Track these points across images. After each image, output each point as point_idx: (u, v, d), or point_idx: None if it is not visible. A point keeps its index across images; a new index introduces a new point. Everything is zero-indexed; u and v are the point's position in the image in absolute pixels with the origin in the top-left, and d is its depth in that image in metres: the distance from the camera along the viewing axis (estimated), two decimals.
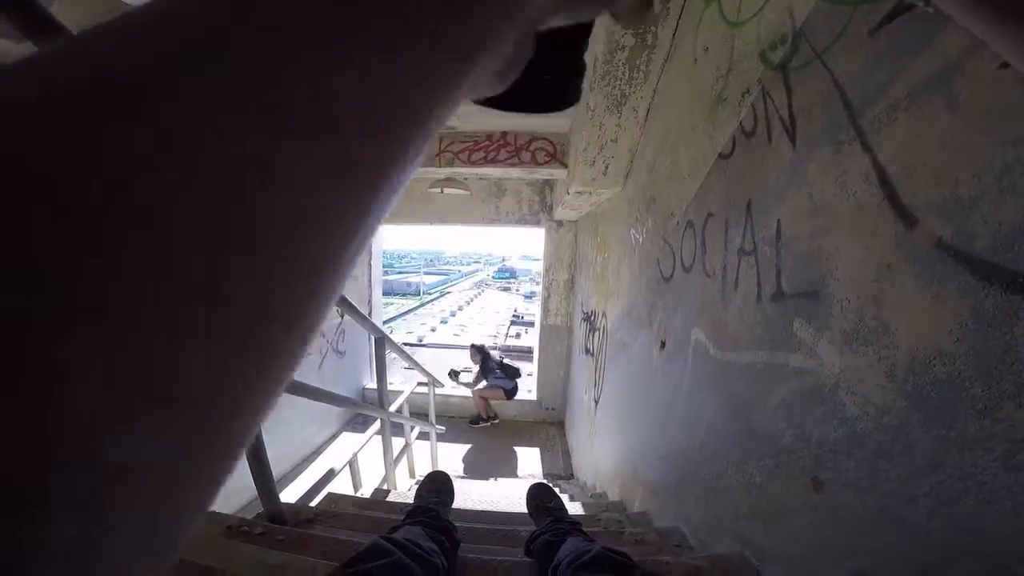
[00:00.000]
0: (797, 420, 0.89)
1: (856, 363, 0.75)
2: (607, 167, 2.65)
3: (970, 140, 0.57)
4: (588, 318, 4.23)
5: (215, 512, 1.21)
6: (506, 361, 5.90)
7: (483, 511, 2.09)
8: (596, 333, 3.71)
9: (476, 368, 5.82)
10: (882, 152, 0.72)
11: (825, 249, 0.84)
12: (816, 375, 0.84)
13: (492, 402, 5.80)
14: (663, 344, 1.81)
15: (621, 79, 2.08)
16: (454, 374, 6.00)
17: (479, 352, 5.89)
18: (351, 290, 5.82)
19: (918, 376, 0.64)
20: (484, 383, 5.67)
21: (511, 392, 5.57)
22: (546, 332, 6.01)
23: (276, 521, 1.28)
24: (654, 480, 1.86)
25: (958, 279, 0.59)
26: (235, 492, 3.55)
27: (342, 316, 5.38)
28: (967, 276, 0.57)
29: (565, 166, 3.56)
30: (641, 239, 2.29)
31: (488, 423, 5.74)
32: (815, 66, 0.90)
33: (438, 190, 4.29)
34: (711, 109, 1.44)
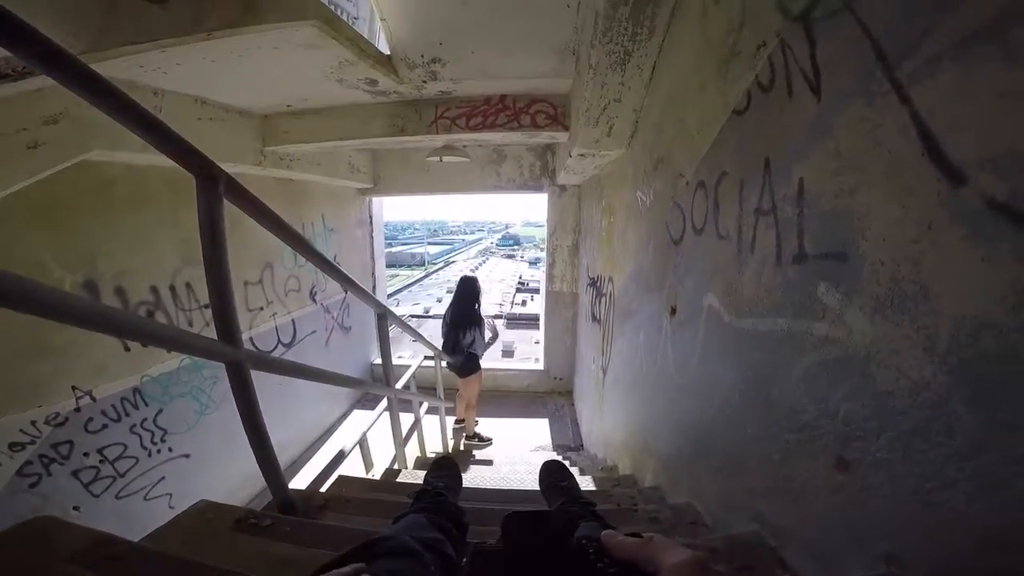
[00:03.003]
0: (821, 394, 0.83)
1: (890, 332, 0.68)
2: (611, 128, 2.54)
3: None
4: (594, 284, 4.16)
5: (224, 505, 1.20)
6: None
7: (492, 489, 2.09)
8: (603, 299, 3.65)
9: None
10: (923, 105, 0.64)
11: (854, 208, 0.76)
12: (844, 345, 0.78)
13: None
14: (673, 310, 1.74)
15: (624, 35, 1.95)
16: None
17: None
18: (354, 263, 5.78)
19: (963, 348, 0.57)
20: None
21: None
22: (551, 299, 5.97)
23: (287, 511, 1.26)
24: (665, 453, 1.83)
25: (1013, 241, 0.51)
26: (250, 479, 3.61)
27: (346, 291, 5.37)
28: None
29: (567, 129, 3.43)
30: (648, 201, 2.20)
31: (481, 442, 4.61)
32: (843, 16, 0.80)
33: (437, 159, 4.17)
34: (723, 64, 1.34)
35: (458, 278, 4.60)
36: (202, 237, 1.03)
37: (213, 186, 1.02)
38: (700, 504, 1.39)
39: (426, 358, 4.02)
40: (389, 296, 9.37)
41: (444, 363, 4.15)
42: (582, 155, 2.97)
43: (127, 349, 2.76)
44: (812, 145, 0.88)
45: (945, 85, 0.61)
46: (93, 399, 2.58)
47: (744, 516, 1.11)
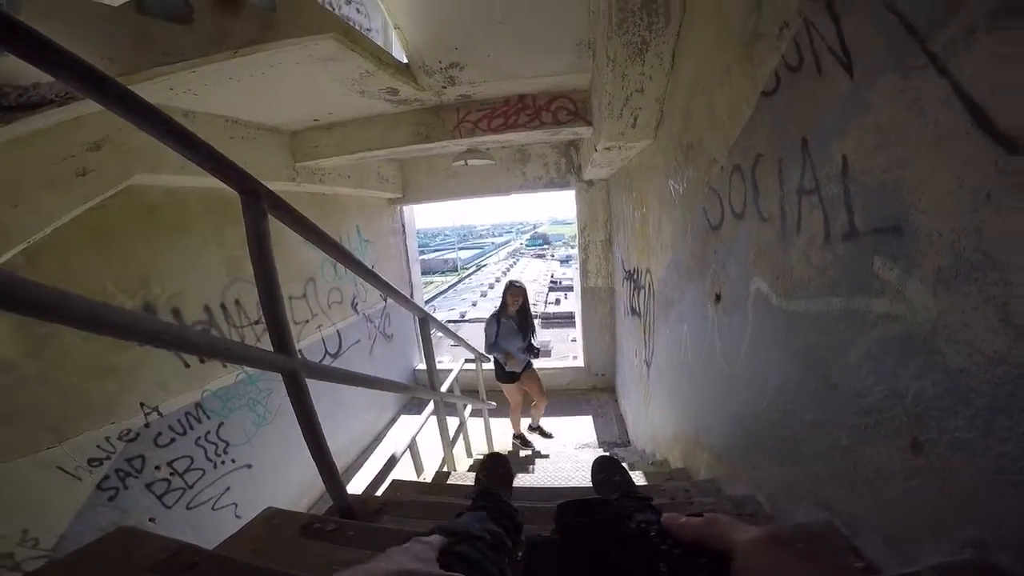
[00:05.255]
0: (887, 374, 0.79)
1: (957, 305, 0.65)
2: (635, 119, 2.51)
3: None
4: (631, 276, 4.11)
5: (288, 511, 1.24)
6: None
7: (542, 488, 2.09)
8: (641, 291, 3.60)
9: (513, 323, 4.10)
10: (964, 76, 0.62)
11: (905, 181, 0.73)
12: (907, 321, 0.74)
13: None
14: (718, 297, 1.70)
15: (639, 25, 1.93)
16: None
17: (520, 292, 4.14)
18: (391, 272, 5.91)
19: None
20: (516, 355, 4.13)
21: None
22: (587, 295, 5.93)
23: (346, 515, 1.30)
24: (719, 445, 1.79)
25: None
26: (308, 486, 3.75)
27: (386, 300, 5.49)
28: None
29: (589, 123, 3.40)
30: (681, 189, 2.16)
31: (526, 447, 4.55)
32: None
33: (462, 163, 4.21)
34: (745, 46, 1.32)
35: (502, 282, 4.61)
36: (251, 252, 1.06)
37: (256, 202, 1.05)
38: (760, 494, 1.35)
39: (467, 361, 4.06)
40: (425, 302, 9.50)
41: (496, 365, 4.17)
42: (608, 148, 2.94)
43: (187, 366, 2.91)
44: (851, 122, 0.86)
45: (983, 55, 0.58)
46: (160, 414, 2.74)
47: (810, 505, 1.07)
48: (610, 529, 0.43)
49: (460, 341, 3.63)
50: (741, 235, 1.45)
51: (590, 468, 1.51)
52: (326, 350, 4.36)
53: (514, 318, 4.06)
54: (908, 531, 0.78)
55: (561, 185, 5.65)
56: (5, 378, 2.04)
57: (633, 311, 4.02)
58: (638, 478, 2.35)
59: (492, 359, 4.14)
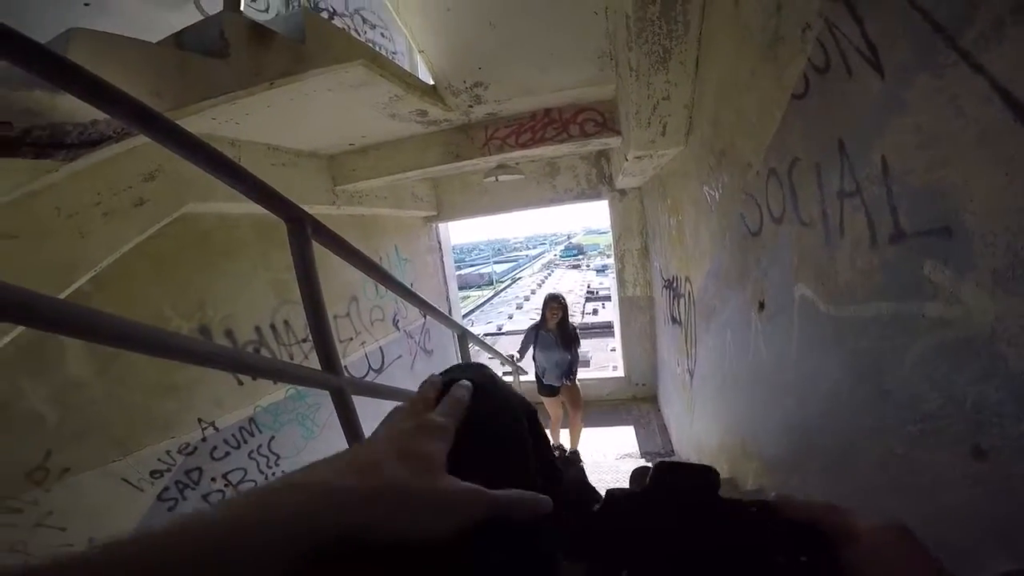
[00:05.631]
0: (944, 380, 0.76)
1: (1016, 307, 0.63)
2: (664, 127, 2.50)
3: None
4: (670, 285, 4.04)
5: None
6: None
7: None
8: (681, 300, 3.54)
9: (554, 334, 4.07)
10: (1000, 72, 0.60)
11: (950, 181, 0.71)
12: (963, 325, 0.72)
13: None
14: (761, 305, 1.67)
15: (660, 34, 1.94)
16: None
17: (560, 306, 4.10)
18: (428, 289, 6.02)
19: None
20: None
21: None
22: (625, 305, 5.86)
23: None
24: (767, 455, 1.74)
25: None
26: None
27: (425, 316, 5.60)
28: None
29: (618, 133, 3.40)
30: (717, 195, 2.13)
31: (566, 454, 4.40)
32: None
33: (493, 179, 4.30)
34: (768, 49, 1.31)
35: (537, 294, 4.62)
36: (298, 276, 1.10)
37: (301, 228, 1.09)
38: None
39: (504, 374, 4.09)
40: (463, 316, 9.62)
41: (537, 379, 4.18)
42: (639, 157, 2.93)
43: (240, 384, 3.04)
44: (887, 123, 0.84)
45: (1017, 49, 0.57)
46: (216, 429, 2.87)
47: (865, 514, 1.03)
48: (707, 494, 0.38)
49: (496, 354, 3.68)
50: (782, 241, 1.42)
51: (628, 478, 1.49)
52: (369, 366, 4.47)
53: (554, 332, 4.04)
54: (972, 539, 0.74)
55: (592, 196, 5.64)
56: (79, 397, 2.20)
57: (674, 320, 3.96)
58: None
59: (535, 375, 4.15)
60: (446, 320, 2.33)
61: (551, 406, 4.23)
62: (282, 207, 1.05)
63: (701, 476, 0.39)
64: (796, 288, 1.33)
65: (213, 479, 2.85)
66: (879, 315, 0.93)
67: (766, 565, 0.32)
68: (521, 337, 4.31)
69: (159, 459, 2.55)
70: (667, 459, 0.42)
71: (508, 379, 4.10)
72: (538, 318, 4.18)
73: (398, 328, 5.06)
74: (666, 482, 0.39)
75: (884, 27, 0.82)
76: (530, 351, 4.20)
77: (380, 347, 4.66)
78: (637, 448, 4.68)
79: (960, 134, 0.68)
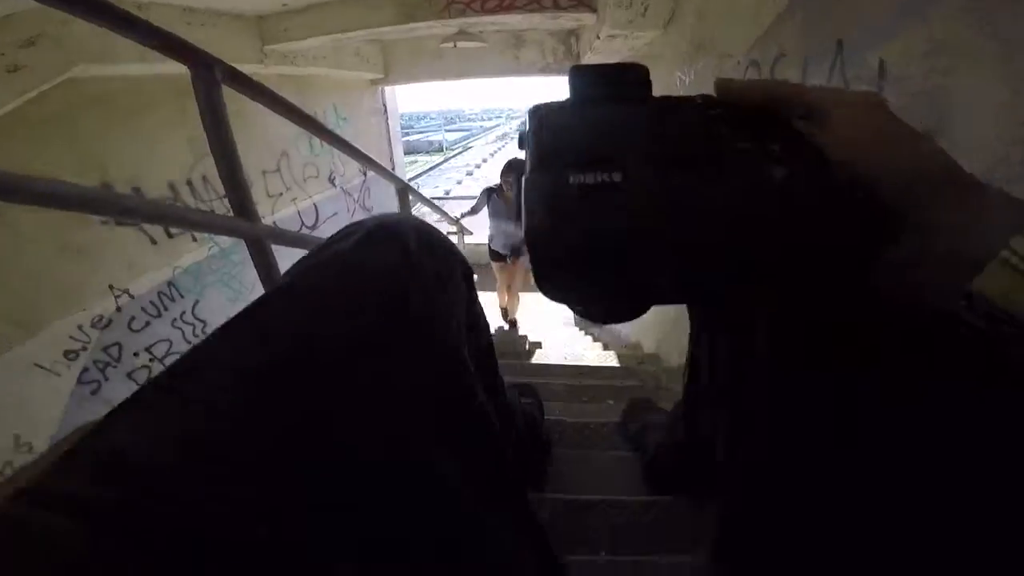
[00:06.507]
0: None
1: None
2: (646, 9, 2.32)
3: None
4: None
5: None
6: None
7: (552, 364, 2.10)
8: None
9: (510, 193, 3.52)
10: None
11: (949, 89, 0.71)
12: None
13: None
14: None
15: None
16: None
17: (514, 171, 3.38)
18: (370, 149, 5.62)
19: None
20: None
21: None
22: None
23: None
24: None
25: None
26: None
27: (365, 175, 5.32)
28: None
29: (594, 11, 3.09)
30: (688, 80, 2.03)
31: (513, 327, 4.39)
32: None
33: (451, 45, 3.90)
34: None
35: (488, 163, 4.35)
36: (203, 123, 0.99)
37: (209, 73, 0.96)
38: None
39: (448, 233, 4.05)
40: (409, 180, 9.28)
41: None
42: (612, 36, 2.71)
43: (153, 242, 2.76)
44: (898, 28, 0.82)
45: None
46: (131, 296, 2.62)
47: None
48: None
49: (439, 211, 3.61)
50: None
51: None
52: (302, 222, 4.27)
53: (507, 201, 3.84)
54: None
55: (557, 71, 5.25)
56: None
57: None
58: (611, 360, 2.46)
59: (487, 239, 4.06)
60: (386, 173, 2.20)
61: (498, 271, 4.30)
62: (187, 54, 0.92)
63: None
64: None
65: (136, 354, 2.63)
66: None
67: (733, 153, 0.24)
68: (471, 202, 4.16)
69: (71, 336, 2.30)
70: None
71: (453, 239, 4.09)
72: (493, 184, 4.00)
73: (334, 185, 4.83)
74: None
75: None
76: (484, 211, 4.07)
77: (314, 204, 4.45)
78: (574, 317, 4.92)
79: (978, 50, 0.66)
